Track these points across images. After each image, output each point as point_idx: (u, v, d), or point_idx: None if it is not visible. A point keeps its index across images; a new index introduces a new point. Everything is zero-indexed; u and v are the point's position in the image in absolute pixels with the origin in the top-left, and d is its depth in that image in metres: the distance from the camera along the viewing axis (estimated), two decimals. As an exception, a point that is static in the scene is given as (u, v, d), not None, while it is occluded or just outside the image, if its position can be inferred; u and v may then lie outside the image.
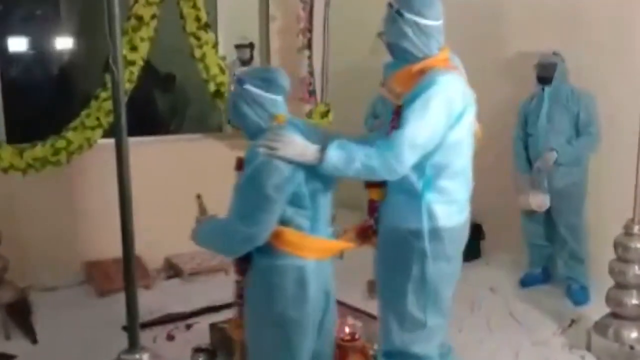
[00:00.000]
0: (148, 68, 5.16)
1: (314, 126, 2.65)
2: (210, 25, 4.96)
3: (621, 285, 3.73)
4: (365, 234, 2.93)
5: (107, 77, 3.58)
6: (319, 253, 2.37)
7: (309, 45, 5.43)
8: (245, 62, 6.45)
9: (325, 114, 5.58)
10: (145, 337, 3.73)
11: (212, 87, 5.04)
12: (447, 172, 2.58)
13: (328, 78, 5.54)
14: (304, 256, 2.33)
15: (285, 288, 2.31)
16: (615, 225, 3.81)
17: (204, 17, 4.85)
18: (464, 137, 2.62)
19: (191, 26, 4.83)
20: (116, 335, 3.63)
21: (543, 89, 4.59)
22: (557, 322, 4.27)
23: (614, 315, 3.76)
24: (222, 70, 5.05)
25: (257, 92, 2.36)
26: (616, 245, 3.70)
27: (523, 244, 5.01)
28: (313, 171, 2.29)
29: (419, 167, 2.50)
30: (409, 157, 2.39)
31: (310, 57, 5.46)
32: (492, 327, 4.23)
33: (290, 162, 2.23)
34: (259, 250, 2.31)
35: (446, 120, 2.49)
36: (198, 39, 4.87)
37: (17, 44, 5.32)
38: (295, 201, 2.28)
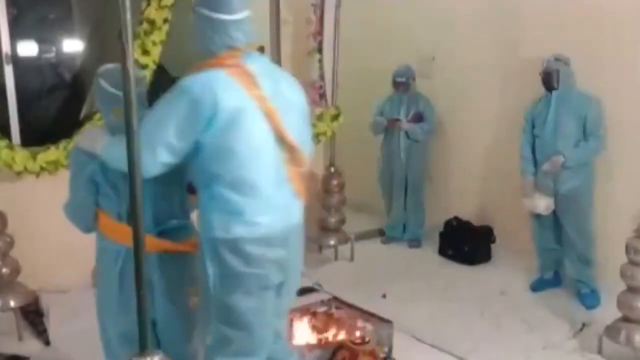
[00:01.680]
0: (161, 72, 5.18)
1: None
2: (221, 29, 4.97)
3: (633, 289, 3.71)
4: None
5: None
6: (129, 241, 2.17)
7: (320, 49, 5.45)
8: (255, 65, 6.47)
9: (335, 117, 5.59)
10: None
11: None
12: (223, 181, 2.34)
13: (338, 81, 5.54)
14: (116, 240, 2.46)
15: (104, 269, 2.57)
16: (625, 227, 3.80)
17: (215, 20, 4.86)
18: (241, 145, 2.33)
19: (202, 30, 4.84)
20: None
21: (550, 93, 4.58)
22: (568, 326, 4.26)
23: (625, 319, 3.74)
24: (233, 74, 5.06)
25: (105, 88, 2.45)
26: (627, 248, 3.68)
27: (534, 247, 4.99)
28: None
29: (196, 172, 2.40)
30: (150, 157, 2.23)
31: (320, 61, 5.47)
32: (503, 330, 4.23)
33: (87, 152, 2.43)
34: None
35: (189, 123, 2.28)
36: (209, 42, 4.88)
37: (31, 48, 5.36)
38: (98, 189, 2.48)
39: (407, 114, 5.87)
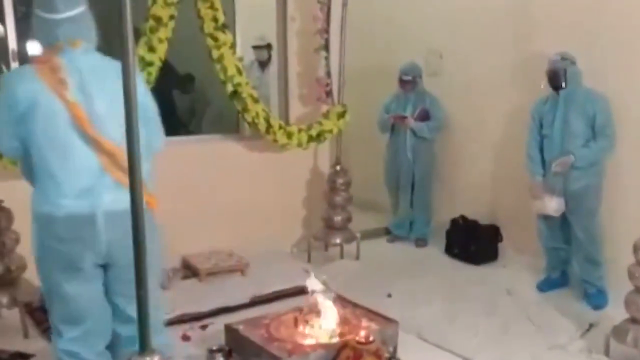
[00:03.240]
0: (167, 69, 5.17)
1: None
2: (228, 26, 4.96)
3: (640, 290, 3.68)
4: None
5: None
6: None
7: (326, 46, 5.43)
8: (263, 63, 6.47)
9: (342, 115, 5.58)
10: (160, 337, 3.78)
11: (229, 88, 5.05)
12: (35, 164, 2.61)
13: (345, 79, 5.53)
14: None
15: None
16: (633, 228, 3.77)
17: (221, 17, 4.85)
18: (38, 136, 2.55)
19: (209, 27, 4.83)
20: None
21: (557, 92, 4.55)
22: (575, 326, 4.23)
23: (633, 320, 3.71)
24: (240, 71, 5.05)
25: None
26: (636, 248, 3.64)
27: (541, 247, 4.96)
28: None
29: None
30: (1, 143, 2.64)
31: (327, 58, 5.46)
32: (509, 330, 4.20)
33: None
34: None
35: (9, 114, 2.54)
36: (215, 39, 4.87)
37: (38, 46, 5.36)
38: None
39: (413, 111, 5.85)
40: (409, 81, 5.81)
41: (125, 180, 2.21)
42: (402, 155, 5.95)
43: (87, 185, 2.59)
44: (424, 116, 5.83)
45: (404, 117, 5.82)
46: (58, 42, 2.59)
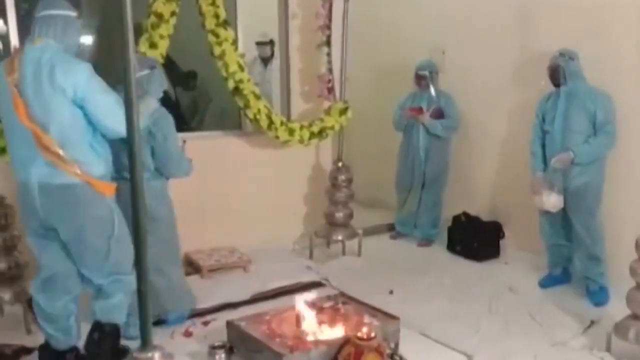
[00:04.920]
0: (169, 65, 5.17)
1: None
2: (229, 23, 4.95)
3: (642, 287, 3.67)
4: None
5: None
6: None
7: (328, 42, 5.43)
8: (266, 59, 6.46)
9: (343, 111, 5.58)
10: (162, 333, 3.79)
11: (231, 84, 5.05)
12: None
13: (346, 75, 5.52)
14: None
15: None
16: (634, 224, 3.76)
17: (222, 14, 4.85)
18: (2, 117, 3.25)
19: (210, 23, 4.83)
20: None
21: (558, 88, 4.55)
22: (577, 323, 4.22)
23: (635, 316, 3.70)
24: (242, 68, 5.05)
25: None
26: (637, 245, 3.64)
27: (542, 244, 4.96)
28: None
29: None
30: None
31: (329, 54, 5.46)
32: (510, 327, 4.19)
33: None
34: None
35: None
36: (217, 36, 4.87)
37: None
38: None
39: (428, 109, 5.81)
40: (425, 76, 5.76)
41: (53, 159, 3.04)
42: (415, 155, 5.91)
43: (24, 159, 3.13)
44: (439, 114, 5.77)
45: (420, 109, 5.78)
46: (30, 38, 3.17)
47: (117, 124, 3.05)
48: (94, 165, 3.18)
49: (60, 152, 3.06)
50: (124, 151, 3.39)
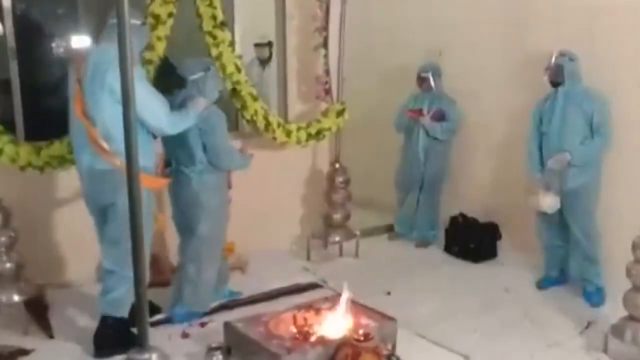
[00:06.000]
0: (167, 66, 5.15)
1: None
2: (226, 24, 4.95)
3: (638, 288, 3.68)
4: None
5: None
6: None
7: (325, 44, 5.43)
8: (264, 61, 6.46)
9: (340, 113, 5.58)
10: (160, 334, 3.78)
11: (228, 85, 5.04)
12: None
13: (344, 77, 5.52)
14: None
15: None
16: (631, 225, 3.77)
17: (220, 15, 4.84)
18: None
19: (207, 25, 4.82)
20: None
21: (556, 89, 4.55)
22: (574, 324, 4.24)
23: (631, 317, 3.72)
24: (239, 69, 5.04)
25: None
26: (634, 246, 3.65)
27: (539, 245, 4.97)
28: None
29: None
30: None
31: (326, 56, 5.45)
32: (507, 328, 4.20)
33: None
34: None
35: None
36: (214, 37, 4.86)
37: (36, 43, 5.35)
38: None
39: (429, 111, 5.80)
40: (427, 78, 5.76)
41: (98, 150, 3.50)
42: (414, 156, 5.91)
43: (77, 147, 3.69)
44: (440, 117, 5.77)
45: (420, 111, 5.77)
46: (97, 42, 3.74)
47: (161, 123, 3.64)
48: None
49: (105, 145, 3.49)
50: (180, 147, 3.98)
